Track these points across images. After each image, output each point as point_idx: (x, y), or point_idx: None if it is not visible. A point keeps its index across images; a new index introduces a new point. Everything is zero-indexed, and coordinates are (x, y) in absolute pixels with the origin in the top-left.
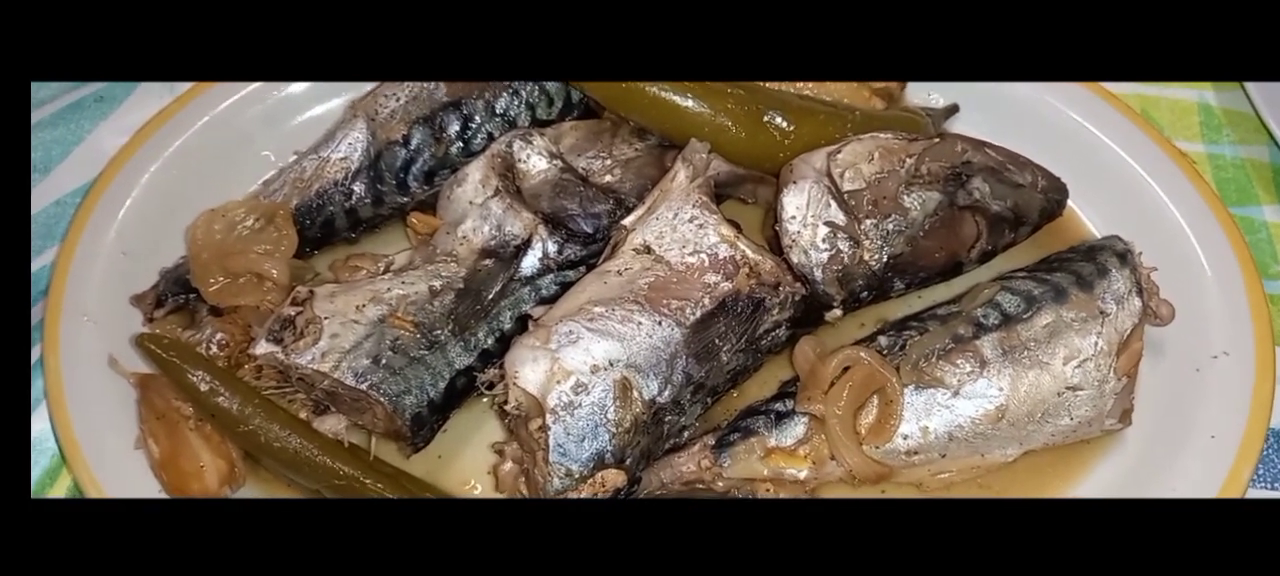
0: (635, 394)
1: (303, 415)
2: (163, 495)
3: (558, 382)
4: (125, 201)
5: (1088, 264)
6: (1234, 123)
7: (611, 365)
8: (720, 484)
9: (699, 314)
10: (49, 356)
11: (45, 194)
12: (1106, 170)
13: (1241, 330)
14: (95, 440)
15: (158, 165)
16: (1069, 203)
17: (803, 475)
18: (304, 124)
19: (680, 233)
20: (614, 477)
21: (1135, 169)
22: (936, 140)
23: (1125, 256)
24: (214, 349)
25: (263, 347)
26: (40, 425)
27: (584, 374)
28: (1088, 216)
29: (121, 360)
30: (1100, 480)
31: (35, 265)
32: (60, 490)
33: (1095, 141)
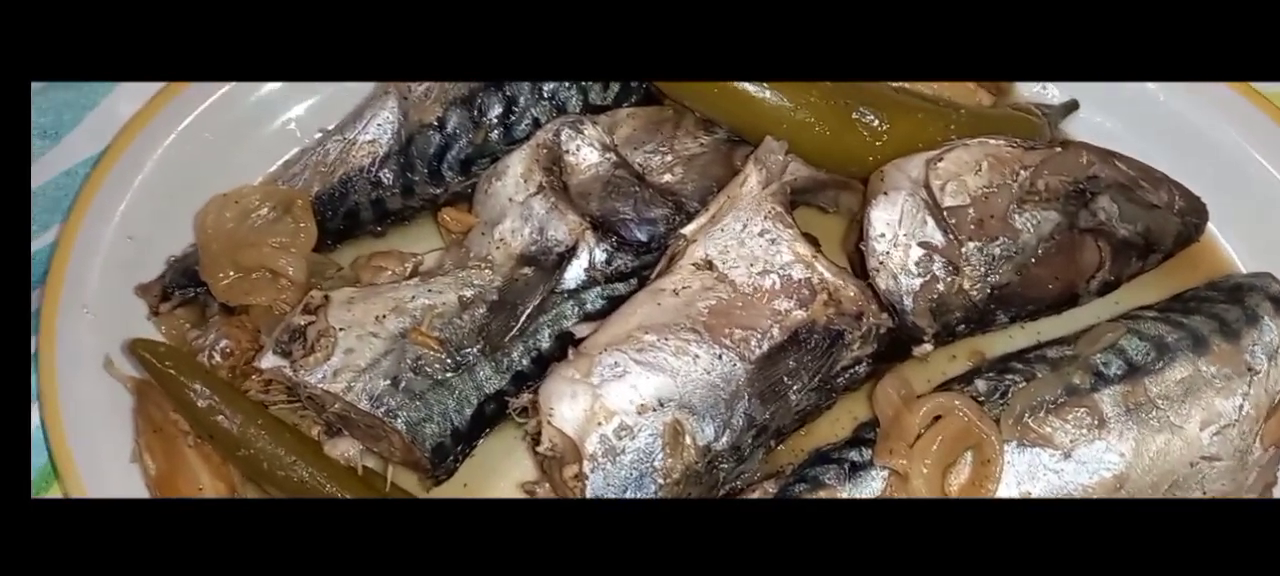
0: (688, 439)
1: (315, 433)
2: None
3: (599, 424)
4: (134, 180)
5: (1233, 307)
6: None
7: (662, 405)
8: None
9: (766, 347)
10: (44, 351)
11: (54, 163)
12: (1252, 187)
13: None
14: (89, 450)
15: (171, 139)
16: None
17: None
18: (333, 96)
19: (748, 248)
20: None
21: None
22: (1058, 150)
23: None
24: (217, 358)
25: (268, 361)
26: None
27: (629, 415)
28: (1227, 242)
29: (123, 359)
30: None
31: (37, 244)
32: None
33: (1240, 152)
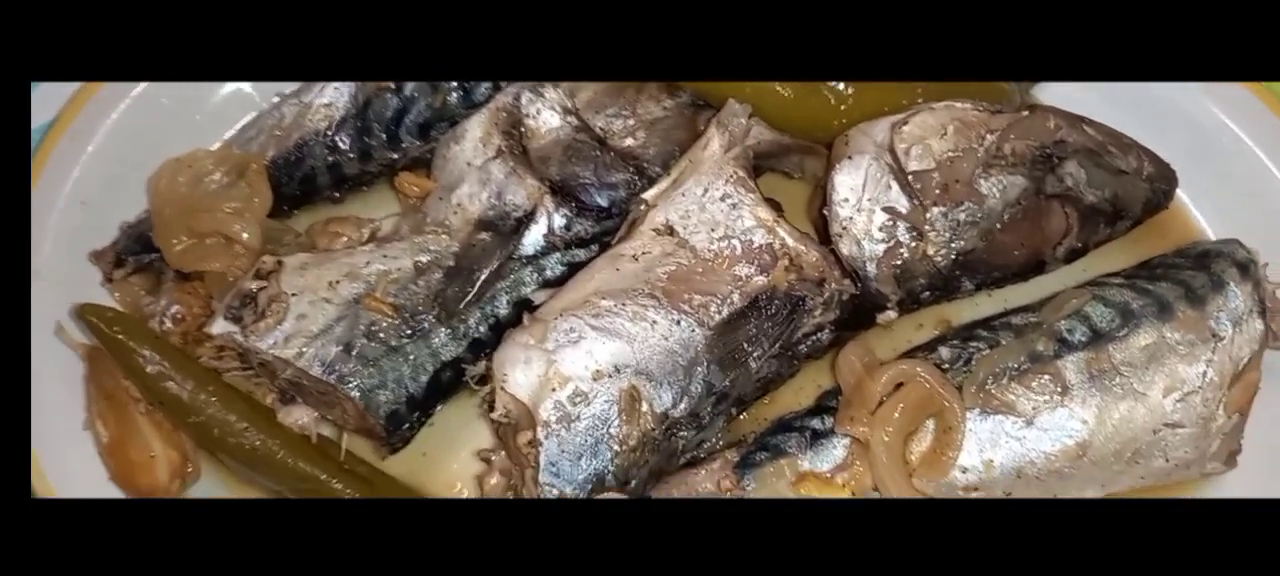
0: (644, 406)
1: (269, 401)
2: (110, 484)
3: (553, 390)
4: (87, 145)
5: (1199, 274)
6: None
7: (618, 371)
8: None
9: (726, 313)
10: None
11: None
12: (1221, 154)
13: None
14: (41, 416)
15: (126, 104)
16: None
17: None
18: None
19: (710, 213)
20: None
21: (1255, 153)
22: (1025, 114)
23: (1247, 268)
24: (168, 324)
25: (219, 326)
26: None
27: (584, 381)
28: (1197, 209)
29: (75, 326)
30: None
31: None
32: None
33: (1210, 119)
